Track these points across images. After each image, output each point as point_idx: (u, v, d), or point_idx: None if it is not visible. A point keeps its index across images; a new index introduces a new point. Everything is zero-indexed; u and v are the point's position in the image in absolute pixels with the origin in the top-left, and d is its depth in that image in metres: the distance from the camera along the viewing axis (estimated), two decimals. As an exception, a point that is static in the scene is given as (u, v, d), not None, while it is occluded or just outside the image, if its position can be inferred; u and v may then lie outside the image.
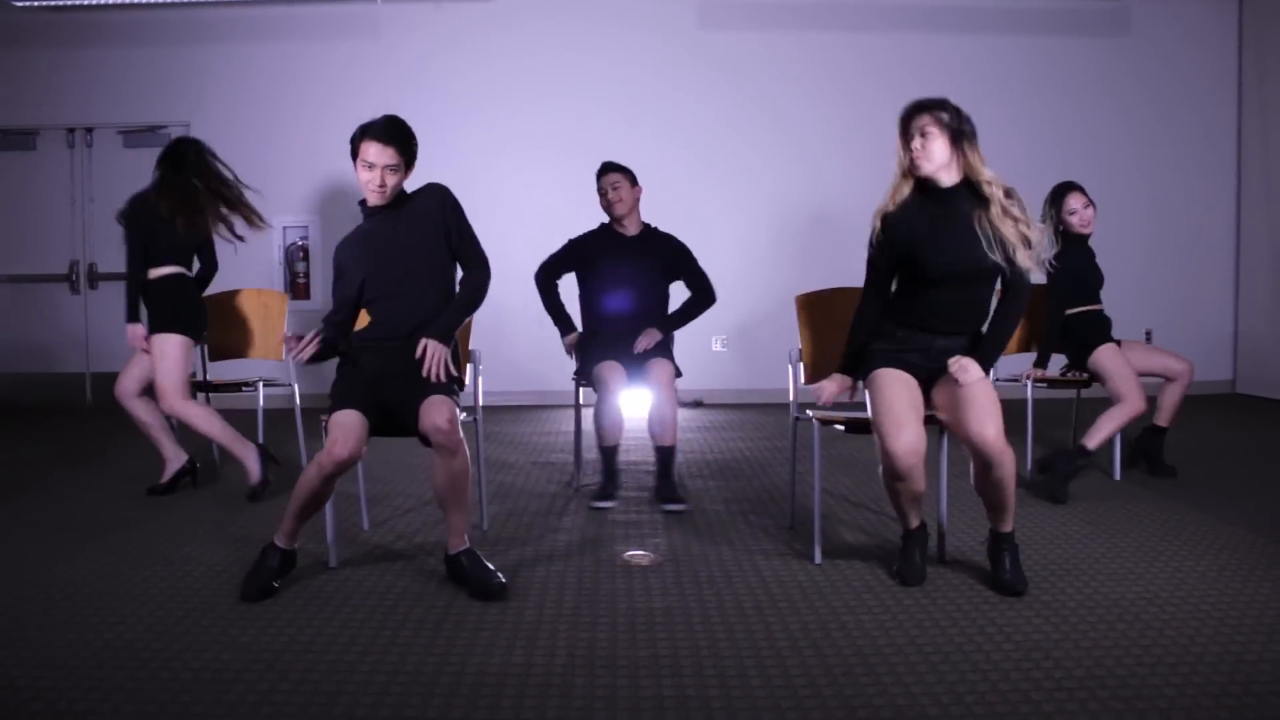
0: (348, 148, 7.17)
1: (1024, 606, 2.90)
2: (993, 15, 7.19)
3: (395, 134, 3.19)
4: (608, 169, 4.37)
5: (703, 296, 4.47)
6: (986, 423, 2.93)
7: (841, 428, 3.40)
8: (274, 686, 2.37)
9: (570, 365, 4.52)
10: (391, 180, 3.22)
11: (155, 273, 4.24)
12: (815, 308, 3.74)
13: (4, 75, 7.14)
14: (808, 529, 3.72)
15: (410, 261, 3.26)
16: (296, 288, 7.20)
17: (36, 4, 6.53)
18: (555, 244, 6.90)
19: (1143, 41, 7.23)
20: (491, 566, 3.08)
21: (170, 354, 4.18)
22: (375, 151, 3.18)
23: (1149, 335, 7.07)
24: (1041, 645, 2.62)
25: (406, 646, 2.62)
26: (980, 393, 2.98)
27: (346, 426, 3.02)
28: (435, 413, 2.97)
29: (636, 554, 3.45)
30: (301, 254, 7.18)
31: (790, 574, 3.23)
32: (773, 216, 7.28)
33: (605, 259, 4.31)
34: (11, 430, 6.36)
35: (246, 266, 6.85)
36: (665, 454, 4.17)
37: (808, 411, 3.51)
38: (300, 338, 3.22)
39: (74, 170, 7.21)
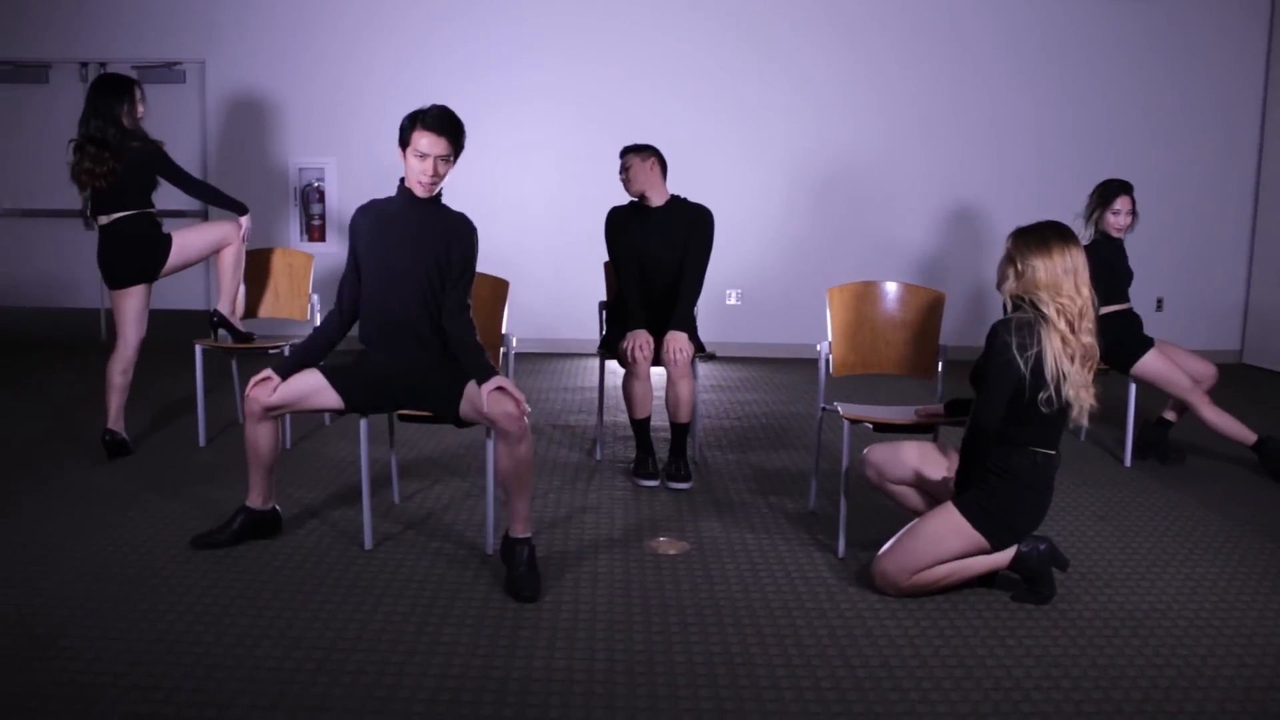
0: (367, 87, 7.24)
1: (1042, 616, 3.00)
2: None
3: (448, 124, 3.23)
4: (621, 154, 4.37)
5: (689, 285, 4.25)
6: (887, 555, 3.08)
7: (870, 426, 3.46)
8: (328, 690, 2.47)
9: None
10: (442, 170, 3.26)
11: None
12: (846, 301, 3.77)
13: (17, 8, 6.99)
14: (828, 514, 3.82)
15: (414, 276, 3.31)
16: (311, 230, 7.18)
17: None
18: (569, 189, 6.97)
19: (1164, 7, 7.11)
20: (537, 571, 3.13)
21: None
22: (429, 141, 3.21)
23: (1160, 303, 7.11)
24: (1060, 661, 2.72)
25: (451, 646, 2.71)
26: (922, 520, 3.09)
27: (264, 374, 3.23)
28: (503, 400, 3.08)
29: (664, 541, 3.54)
30: (318, 195, 7.14)
31: (815, 569, 3.32)
32: (785, 170, 7.24)
33: (631, 232, 4.32)
34: (28, 368, 6.40)
35: (259, 208, 6.84)
36: (679, 431, 4.24)
37: (837, 407, 3.57)
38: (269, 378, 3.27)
39: (88, 104, 7.12)
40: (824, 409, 3.76)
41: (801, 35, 7.14)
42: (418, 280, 3.29)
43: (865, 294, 3.78)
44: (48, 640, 2.67)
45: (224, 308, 4.59)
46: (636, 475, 4.21)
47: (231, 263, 4.58)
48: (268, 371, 3.26)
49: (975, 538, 3.00)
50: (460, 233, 3.33)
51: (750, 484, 4.25)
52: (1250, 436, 4.45)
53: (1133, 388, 4.60)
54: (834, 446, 4.44)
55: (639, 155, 4.29)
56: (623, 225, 4.33)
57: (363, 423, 3.42)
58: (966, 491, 3.03)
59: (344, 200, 7.17)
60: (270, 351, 4.63)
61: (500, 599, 3.03)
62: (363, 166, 7.13)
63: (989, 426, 2.95)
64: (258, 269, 4.86)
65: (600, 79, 7.11)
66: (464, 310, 3.33)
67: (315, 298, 4.83)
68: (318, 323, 4.80)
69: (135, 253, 4.37)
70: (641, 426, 4.24)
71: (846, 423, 3.44)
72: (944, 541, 3.01)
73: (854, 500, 3.65)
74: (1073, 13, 7.11)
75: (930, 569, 3.03)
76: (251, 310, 4.87)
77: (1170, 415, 4.70)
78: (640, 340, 4.10)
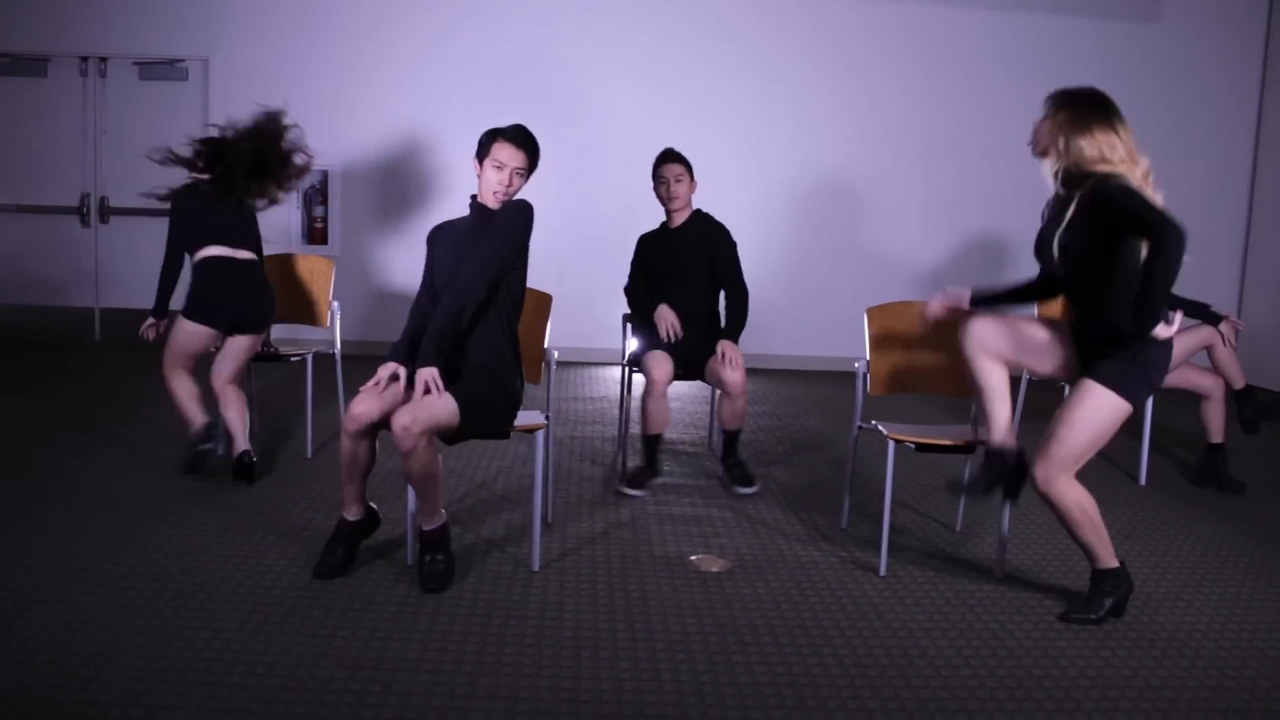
0: (372, 89, 7.17)
1: (1090, 636, 3.04)
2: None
3: (527, 141, 3.32)
4: (671, 157, 4.34)
5: (740, 299, 4.42)
6: (1043, 453, 3.04)
7: (913, 446, 3.48)
8: (400, 714, 2.44)
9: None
10: (516, 184, 3.32)
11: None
12: (883, 321, 3.79)
13: (17, 0, 6.87)
14: (862, 532, 3.85)
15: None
16: (314, 232, 7.11)
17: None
18: (570, 196, 6.94)
19: (1170, 28, 7.23)
20: (439, 560, 3.19)
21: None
22: (509, 153, 3.28)
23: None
24: (1115, 682, 2.76)
25: (515, 667, 2.70)
26: (1068, 409, 3.04)
27: (369, 388, 3.18)
28: (402, 412, 3.01)
29: (705, 557, 3.54)
30: (320, 197, 7.07)
31: (859, 588, 3.34)
32: (783, 183, 7.28)
33: (659, 252, 4.35)
34: (27, 369, 6.28)
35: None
36: (733, 437, 4.31)
37: (878, 426, 3.59)
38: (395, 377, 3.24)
39: (87, 100, 6.99)
40: (860, 427, 3.78)
41: (801, 53, 7.20)
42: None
43: (901, 313, 3.80)
44: (99, 662, 2.62)
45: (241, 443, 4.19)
46: (631, 485, 4.21)
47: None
48: (390, 371, 3.21)
49: (1121, 406, 2.98)
50: (517, 206, 3.34)
51: (779, 500, 4.26)
52: (1215, 437, 4.64)
53: (1149, 405, 4.66)
54: (862, 463, 4.47)
55: (684, 166, 4.31)
56: (655, 245, 4.36)
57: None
58: (1099, 362, 3.01)
59: (348, 203, 7.11)
60: (293, 359, 4.57)
61: (555, 617, 3.02)
62: (366, 169, 7.08)
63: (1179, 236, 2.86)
64: (275, 275, 4.78)
65: (600, 88, 7.11)
66: (478, 278, 3.21)
67: (335, 304, 4.77)
68: (338, 330, 4.79)
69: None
70: (651, 442, 4.26)
71: (891, 442, 3.45)
72: (1098, 419, 2.98)
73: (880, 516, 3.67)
74: (1068, 34, 7.20)
75: (1084, 498, 3.05)
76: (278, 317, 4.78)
77: (1217, 439, 4.67)
78: (670, 318, 4.23)
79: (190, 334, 4.12)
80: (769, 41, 7.18)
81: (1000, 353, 3.14)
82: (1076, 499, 3.05)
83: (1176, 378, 4.64)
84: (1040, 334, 3.17)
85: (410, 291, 7.19)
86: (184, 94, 7.00)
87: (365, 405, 3.12)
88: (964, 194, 7.30)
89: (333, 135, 7.03)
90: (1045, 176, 3.10)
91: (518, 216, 3.30)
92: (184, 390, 4.15)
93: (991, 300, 3.30)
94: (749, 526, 3.91)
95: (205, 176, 4.11)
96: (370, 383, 3.20)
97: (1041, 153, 3.08)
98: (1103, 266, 2.98)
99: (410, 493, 3.40)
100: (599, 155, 7.04)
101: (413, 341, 3.28)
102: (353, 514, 3.28)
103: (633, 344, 4.55)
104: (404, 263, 7.15)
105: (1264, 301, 7.30)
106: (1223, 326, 4.67)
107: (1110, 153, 2.96)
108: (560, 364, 7.02)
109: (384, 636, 2.84)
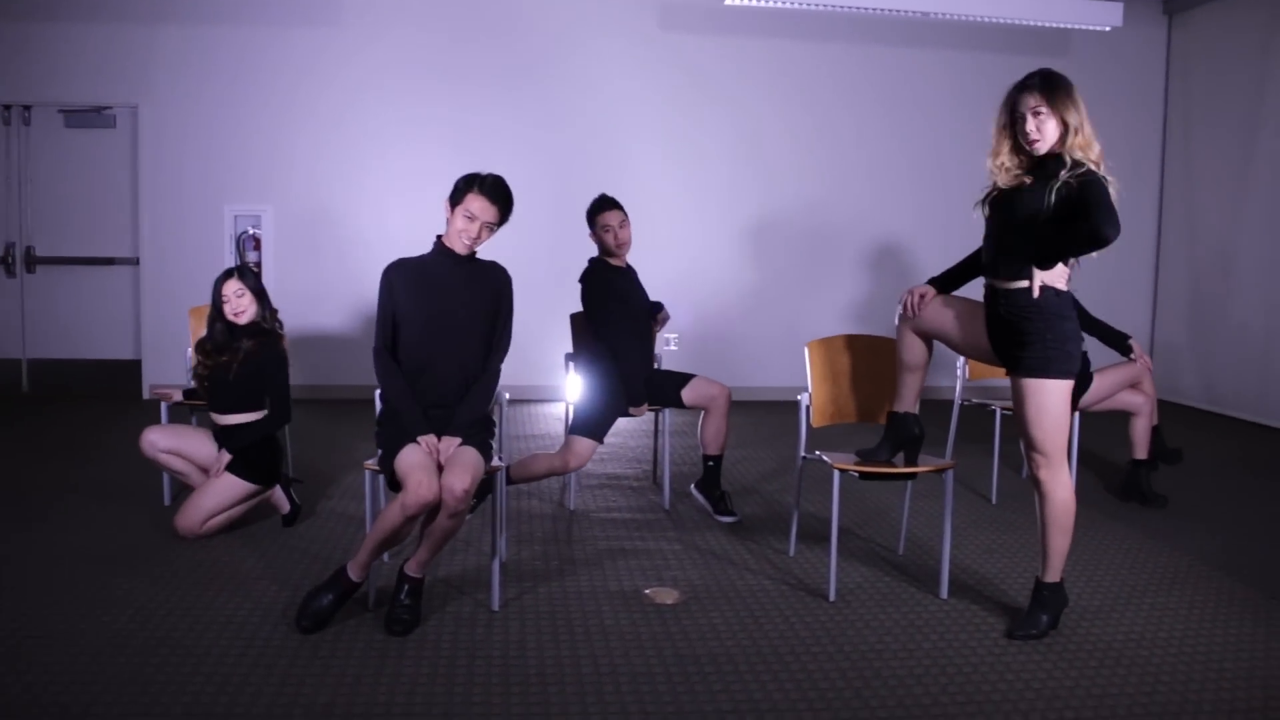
0: (305, 135, 7.12)
1: (1032, 650, 3.19)
2: (949, 30, 7.46)
3: (502, 196, 3.38)
4: (612, 204, 4.44)
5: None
6: (1032, 452, 3.22)
7: (857, 474, 3.61)
8: (377, 758, 2.48)
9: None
10: (484, 236, 3.40)
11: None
12: (824, 354, 3.94)
13: (-63, 48, 6.77)
14: (809, 559, 3.97)
15: (470, 329, 3.41)
16: (249, 277, 7.07)
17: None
18: (520, 246, 7.04)
19: (1078, 61, 7.60)
20: (419, 609, 3.29)
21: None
22: (481, 206, 3.34)
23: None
24: (1059, 694, 2.90)
25: (484, 707, 2.74)
26: (1023, 410, 3.21)
27: (424, 467, 3.18)
28: (457, 478, 3.15)
29: (659, 590, 3.63)
30: (254, 243, 7.05)
31: (810, 613, 3.46)
32: (727, 216, 7.48)
33: (629, 292, 4.56)
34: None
35: (195, 255, 6.76)
36: (718, 463, 4.49)
37: (822, 456, 3.72)
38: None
39: (11, 150, 6.90)
40: (805, 458, 3.91)
41: (758, 90, 7.44)
42: (470, 331, 3.41)
43: (842, 347, 3.95)
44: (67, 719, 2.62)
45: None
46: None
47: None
48: (434, 447, 3.27)
49: (1060, 386, 3.15)
50: (503, 281, 3.52)
51: (726, 530, 4.37)
52: (1140, 453, 4.89)
53: (1076, 425, 4.87)
54: (805, 491, 4.61)
55: (623, 211, 4.43)
56: (617, 284, 4.44)
57: (369, 479, 3.43)
58: (1017, 356, 3.18)
59: (282, 247, 7.10)
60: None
61: (519, 656, 3.07)
62: (300, 214, 7.08)
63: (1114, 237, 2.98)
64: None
65: (542, 124, 7.23)
66: (504, 356, 3.53)
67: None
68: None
69: None
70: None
71: (836, 472, 3.58)
72: (1049, 405, 3.15)
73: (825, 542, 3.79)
74: (1000, 68, 7.55)
75: (1071, 502, 3.23)
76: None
77: (1140, 454, 4.92)
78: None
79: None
80: (727, 80, 7.39)
81: (937, 328, 3.43)
82: (1066, 498, 3.21)
83: (1110, 401, 4.87)
84: (975, 313, 3.39)
85: (350, 332, 7.27)
86: (112, 141, 6.94)
87: (430, 489, 3.13)
88: (913, 228, 7.55)
89: (264, 180, 7.05)
90: (1001, 165, 3.24)
91: (511, 292, 3.52)
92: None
93: (952, 282, 3.53)
94: (699, 558, 4.00)
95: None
96: (422, 457, 3.23)
97: (1044, 144, 3.15)
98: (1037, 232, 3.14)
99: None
100: (534, 190, 7.14)
101: (421, 407, 3.37)
102: (358, 576, 3.26)
103: (576, 385, 4.55)
104: (342, 305, 7.15)
105: (1175, 321, 7.67)
106: (1137, 362, 4.93)
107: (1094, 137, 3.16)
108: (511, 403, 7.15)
109: (352, 682, 2.87)
